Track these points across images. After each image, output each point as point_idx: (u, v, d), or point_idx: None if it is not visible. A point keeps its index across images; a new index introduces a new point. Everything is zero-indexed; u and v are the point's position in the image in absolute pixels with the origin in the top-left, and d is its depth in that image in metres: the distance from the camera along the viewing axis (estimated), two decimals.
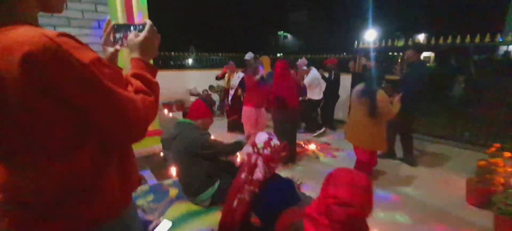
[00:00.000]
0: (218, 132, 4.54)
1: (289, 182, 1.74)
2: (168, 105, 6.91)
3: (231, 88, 5.11)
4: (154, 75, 0.81)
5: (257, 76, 3.84)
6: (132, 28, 0.83)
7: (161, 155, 3.52)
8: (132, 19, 2.82)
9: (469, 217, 2.43)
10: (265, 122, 4.03)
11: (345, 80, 5.40)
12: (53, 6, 0.68)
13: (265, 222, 1.61)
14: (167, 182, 2.70)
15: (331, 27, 24.54)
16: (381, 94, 2.74)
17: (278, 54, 11.15)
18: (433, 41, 4.42)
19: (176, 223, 1.99)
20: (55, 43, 0.53)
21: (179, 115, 6.07)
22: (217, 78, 5.80)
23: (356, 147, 3.00)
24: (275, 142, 1.71)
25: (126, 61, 2.65)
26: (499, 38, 3.91)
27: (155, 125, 3.17)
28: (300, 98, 4.63)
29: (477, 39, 3.98)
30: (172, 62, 8.54)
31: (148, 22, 0.82)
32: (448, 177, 3.21)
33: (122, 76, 0.73)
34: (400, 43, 4.85)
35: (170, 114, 6.36)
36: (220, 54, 8.66)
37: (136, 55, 0.80)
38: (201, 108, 2.29)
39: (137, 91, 0.73)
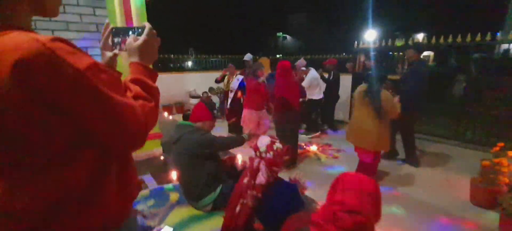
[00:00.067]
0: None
1: (292, 186, 1.71)
2: (168, 108, 6.90)
3: (231, 91, 5.09)
4: (154, 80, 0.78)
5: (261, 78, 3.82)
6: (131, 31, 0.81)
7: (162, 159, 3.49)
8: (131, 23, 2.80)
9: (474, 217, 2.40)
10: (268, 124, 4.00)
11: (345, 80, 5.38)
12: (47, 10, 0.65)
13: (268, 227, 1.58)
14: (167, 186, 2.66)
15: (330, 28, 24.58)
16: (384, 94, 2.72)
17: (278, 55, 11.13)
18: (433, 41, 4.40)
19: (177, 228, 1.96)
20: (48, 49, 0.50)
21: (179, 118, 6.05)
22: (217, 81, 5.78)
23: (358, 148, 2.97)
24: (278, 145, 1.68)
25: (126, 65, 2.62)
26: (499, 37, 3.89)
27: (155, 128, 3.14)
28: (300, 99, 4.60)
29: (477, 38, 3.96)
30: (171, 65, 8.55)
31: (147, 25, 0.79)
32: (451, 177, 3.19)
33: (121, 82, 0.70)
34: (400, 43, 4.84)
35: (170, 117, 6.33)
36: (219, 56, 8.66)
37: (135, 59, 0.78)
38: (203, 111, 2.29)
39: (136, 97, 0.70)
